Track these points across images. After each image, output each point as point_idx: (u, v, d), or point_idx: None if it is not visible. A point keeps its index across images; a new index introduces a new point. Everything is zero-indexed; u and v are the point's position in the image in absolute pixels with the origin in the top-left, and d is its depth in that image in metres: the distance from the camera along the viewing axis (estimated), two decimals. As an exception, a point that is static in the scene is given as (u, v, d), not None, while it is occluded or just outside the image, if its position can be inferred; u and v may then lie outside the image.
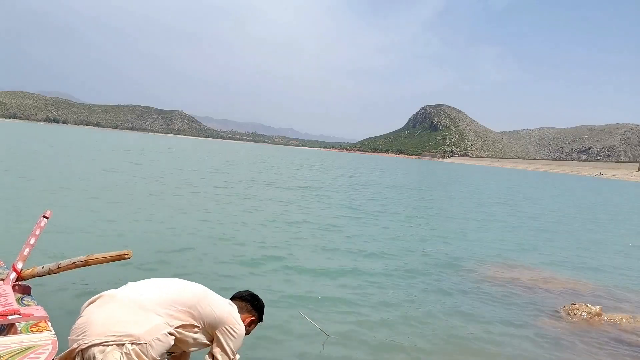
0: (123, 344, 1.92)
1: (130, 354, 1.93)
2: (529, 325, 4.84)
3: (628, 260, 9.28)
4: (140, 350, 1.95)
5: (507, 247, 9.30)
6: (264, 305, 2.61)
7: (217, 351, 2.25)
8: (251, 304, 2.53)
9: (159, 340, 2.00)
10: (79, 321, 2.02)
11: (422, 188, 26.27)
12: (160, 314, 2.07)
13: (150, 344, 1.96)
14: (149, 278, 2.35)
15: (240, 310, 2.46)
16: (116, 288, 2.20)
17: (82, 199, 9.71)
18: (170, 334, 2.07)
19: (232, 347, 2.27)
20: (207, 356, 2.29)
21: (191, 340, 2.21)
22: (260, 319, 2.60)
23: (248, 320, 2.49)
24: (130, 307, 2.02)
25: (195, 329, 2.21)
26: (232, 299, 2.55)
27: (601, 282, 7.00)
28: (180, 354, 2.37)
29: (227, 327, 2.26)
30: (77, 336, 1.97)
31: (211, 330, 2.25)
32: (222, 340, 2.25)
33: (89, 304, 2.08)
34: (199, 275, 5.17)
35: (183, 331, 2.15)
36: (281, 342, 3.85)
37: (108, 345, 1.91)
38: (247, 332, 2.49)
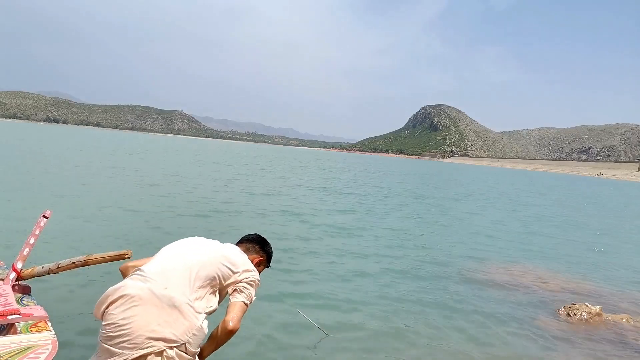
0: (162, 351, 1.89)
1: (172, 358, 1.90)
2: (528, 325, 4.83)
3: (628, 261, 9.27)
4: (180, 350, 1.92)
5: (507, 248, 9.30)
6: (271, 249, 2.65)
7: (240, 297, 2.21)
8: (259, 246, 2.57)
9: (196, 335, 1.96)
10: (110, 328, 1.90)
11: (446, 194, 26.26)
12: (191, 301, 2.00)
13: (188, 342, 1.93)
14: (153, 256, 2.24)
15: (248, 252, 2.48)
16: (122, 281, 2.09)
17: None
18: (204, 319, 2.04)
19: (253, 295, 2.26)
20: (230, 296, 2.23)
21: (216, 306, 2.18)
22: (268, 263, 2.62)
23: (256, 260, 2.50)
24: (160, 308, 1.93)
25: (216, 292, 2.19)
26: (241, 242, 2.57)
27: (601, 282, 7.00)
28: None
29: (246, 280, 2.24)
30: (114, 346, 1.88)
31: (232, 286, 2.22)
32: (247, 291, 2.24)
33: (109, 304, 1.96)
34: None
35: (210, 306, 2.12)
36: (279, 340, 3.85)
37: (148, 356, 1.87)
38: None
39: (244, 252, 2.45)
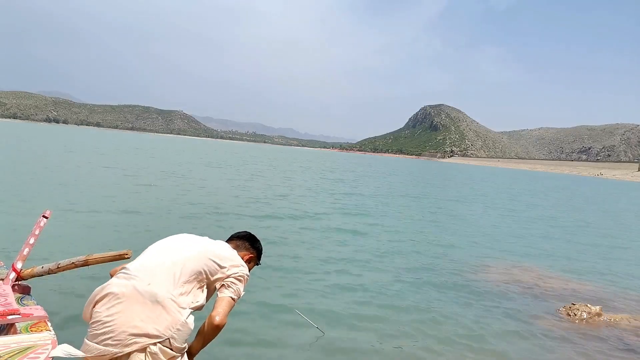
0: (145, 348, 1.89)
1: (156, 354, 1.90)
2: (529, 325, 4.83)
3: (628, 261, 9.27)
4: (163, 346, 1.92)
5: (507, 248, 9.30)
6: (262, 247, 2.62)
7: (227, 292, 2.19)
8: (249, 243, 2.55)
9: (180, 330, 1.96)
10: (95, 326, 1.94)
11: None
12: (174, 296, 2.00)
13: (172, 337, 1.93)
14: (143, 252, 2.25)
15: (238, 249, 2.47)
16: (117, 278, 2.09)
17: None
18: (189, 314, 2.02)
19: (241, 290, 2.25)
20: (218, 292, 2.21)
21: (204, 301, 2.17)
22: (258, 260, 2.60)
23: (247, 257, 2.49)
24: (143, 304, 1.94)
25: (204, 287, 2.18)
26: (231, 239, 2.56)
27: (601, 282, 7.00)
28: None
29: (235, 276, 2.22)
30: (99, 343, 1.91)
31: (220, 281, 2.20)
32: (234, 286, 2.22)
33: (95, 303, 2.00)
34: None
35: (196, 301, 2.11)
36: (277, 340, 3.86)
37: (131, 354, 1.88)
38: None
39: (235, 249, 2.45)
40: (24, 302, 2.48)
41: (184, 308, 2.02)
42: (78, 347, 2.00)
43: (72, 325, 3.58)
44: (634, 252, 10.40)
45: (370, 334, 4.18)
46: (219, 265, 2.20)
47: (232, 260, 2.27)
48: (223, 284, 2.19)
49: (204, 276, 2.16)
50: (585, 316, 5.15)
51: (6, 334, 2.22)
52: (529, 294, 5.98)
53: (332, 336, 4.01)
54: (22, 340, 2.01)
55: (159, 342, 1.91)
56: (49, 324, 2.26)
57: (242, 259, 2.41)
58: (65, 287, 4.37)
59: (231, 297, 2.16)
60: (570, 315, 5.19)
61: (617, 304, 5.94)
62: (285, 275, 5.65)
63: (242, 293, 2.25)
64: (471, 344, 4.20)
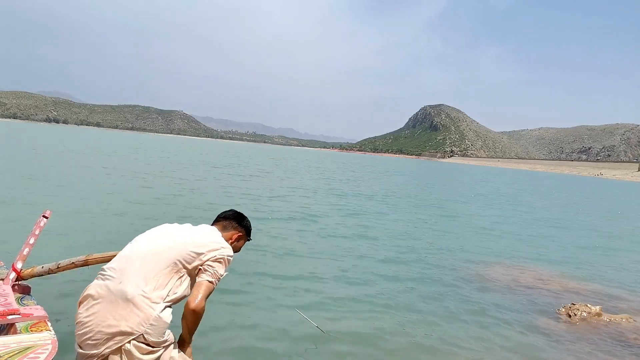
0: (120, 348, 1.93)
1: (130, 351, 1.93)
2: (528, 325, 4.83)
3: (628, 261, 9.27)
4: (138, 342, 1.95)
5: (507, 248, 9.30)
6: (250, 223, 2.61)
7: (204, 276, 2.18)
8: (237, 221, 2.53)
9: (154, 325, 1.97)
10: (78, 327, 2.04)
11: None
12: (146, 292, 2.01)
13: (146, 332, 1.95)
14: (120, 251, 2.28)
15: (225, 229, 2.46)
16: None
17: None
18: (164, 308, 2.04)
19: (220, 271, 2.23)
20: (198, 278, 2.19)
21: (183, 292, 2.17)
22: (248, 236, 2.59)
23: (235, 236, 2.48)
24: (115, 303, 1.98)
25: (183, 277, 2.17)
26: (217, 220, 2.55)
27: (601, 282, 7.00)
28: None
29: (213, 259, 2.20)
30: (81, 344, 2.00)
31: (200, 267, 2.20)
32: (211, 269, 2.21)
33: (79, 305, 2.09)
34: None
35: (174, 293, 2.12)
36: (277, 340, 3.85)
37: (107, 357, 1.94)
38: (237, 249, 2.47)
39: (222, 229, 2.44)
40: (24, 302, 2.48)
41: (157, 302, 2.02)
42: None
43: (72, 325, 3.58)
44: (634, 253, 10.40)
45: (371, 334, 4.18)
46: (195, 252, 2.19)
47: (210, 245, 2.25)
48: (200, 269, 2.19)
49: (181, 266, 2.16)
50: (585, 316, 5.15)
51: (6, 334, 2.22)
52: (529, 294, 5.98)
53: (333, 336, 4.01)
54: (22, 340, 2.01)
55: (133, 339, 1.94)
56: (49, 324, 2.26)
57: (231, 238, 2.42)
58: (65, 287, 4.37)
59: (208, 280, 2.15)
60: (570, 315, 5.19)
61: (617, 304, 5.94)
62: (284, 276, 5.65)
63: (223, 274, 2.24)
64: (470, 344, 4.20)
